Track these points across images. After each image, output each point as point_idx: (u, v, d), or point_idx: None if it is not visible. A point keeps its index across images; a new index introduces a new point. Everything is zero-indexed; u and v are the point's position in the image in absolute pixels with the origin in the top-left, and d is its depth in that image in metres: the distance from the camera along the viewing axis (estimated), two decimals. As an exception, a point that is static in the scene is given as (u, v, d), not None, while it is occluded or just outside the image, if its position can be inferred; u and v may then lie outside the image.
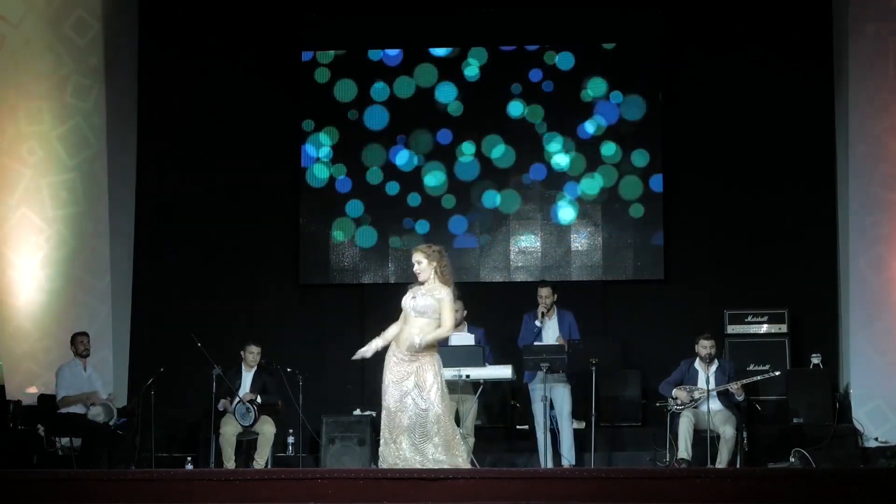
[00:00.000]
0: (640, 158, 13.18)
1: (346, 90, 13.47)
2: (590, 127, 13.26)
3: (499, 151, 13.32)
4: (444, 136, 13.37)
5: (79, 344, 11.70)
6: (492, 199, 13.31)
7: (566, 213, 13.25)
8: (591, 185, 13.24)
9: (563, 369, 11.27)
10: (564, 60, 13.32)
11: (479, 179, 13.33)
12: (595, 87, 13.27)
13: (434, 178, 13.34)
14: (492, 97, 13.35)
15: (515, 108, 13.31)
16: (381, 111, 13.42)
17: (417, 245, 9.07)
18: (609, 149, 13.22)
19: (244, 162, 13.46)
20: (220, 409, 11.47)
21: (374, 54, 13.47)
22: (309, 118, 13.46)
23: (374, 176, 13.38)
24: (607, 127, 13.24)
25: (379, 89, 13.43)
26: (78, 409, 11.48)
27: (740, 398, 11.08)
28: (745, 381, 11.14)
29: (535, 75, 13.32)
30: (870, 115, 12.18)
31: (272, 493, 7.77)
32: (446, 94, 13.39)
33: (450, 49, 13.42)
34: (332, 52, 13.50)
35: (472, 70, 13.39)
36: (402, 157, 13.38)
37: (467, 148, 13.32)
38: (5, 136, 12.56)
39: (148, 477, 8.23)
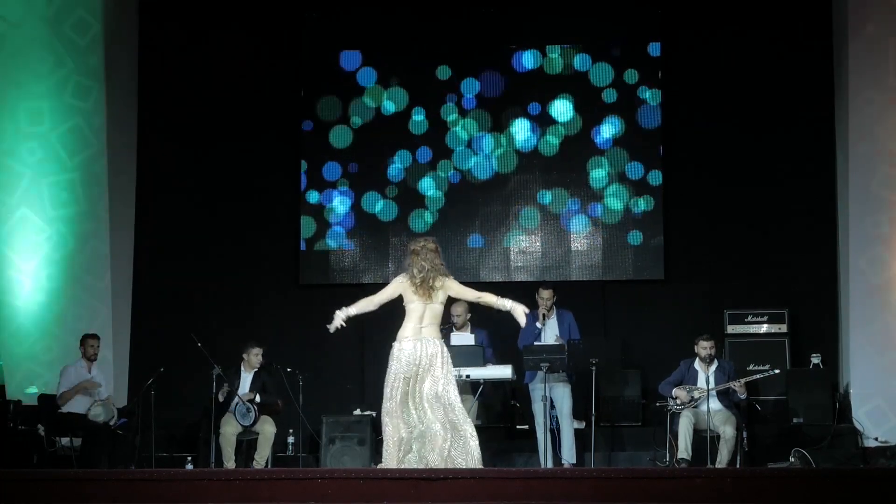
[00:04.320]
0: (640, 159, 13.19)
1: (346, 90, 13.48)
2: (591, 127, 13.26)
3: (499, 151, 13.33)
4: (444, 136, 13.38)
5: (88, 347, 11.67)
6: (493, 199, 13.33)
7: (566, 212, 13.25)
8: (591, 184, 13.25)
9: (564, 369, 11.27)
10: (562, 58, 13.33)
11: (479, 179, 13.34)
12: (594, 88, 13.28)
13: (434, 177, 13.36)
14: (491, 97, 13.36)
15: (514, 107, 13.34)
16: (382, 111, 13.44)
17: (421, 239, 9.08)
18: (609, 148, 13.23)
19: (244, 162, 13.47)
20: (220, 400, 11.45)
21: (376, 56, 13.48)
22: (310, 118, 13.47)
23: (375, 176, 13.40)
24: (607, 126, 13.25)
25: (380, 91, 13.44)
26: (78, 408, 11.47)
27: (743, 396, 11.07)
28: (747, 379, 11.14)
29: (534, 74, 13.34)
30: (870, 115, 12.18)
31: (272, 493, 7.76)
32: (445, 95, 13.41)
33: (443, 51, 13.44)
34: (333, 55, 13.51)
35: (465, 70, 13.41)
36: (404, 157, 13.40)
37: (467, 148, 13.35)
38: (5, 136, 12.57)
39: (148, 477, 8.22)
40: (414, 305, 8.85)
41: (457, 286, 8.96)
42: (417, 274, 8.80)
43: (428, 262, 8.80)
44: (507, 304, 8.93)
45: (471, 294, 9.01)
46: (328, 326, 8.94)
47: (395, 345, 8.87)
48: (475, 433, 8.76)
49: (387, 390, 8.82)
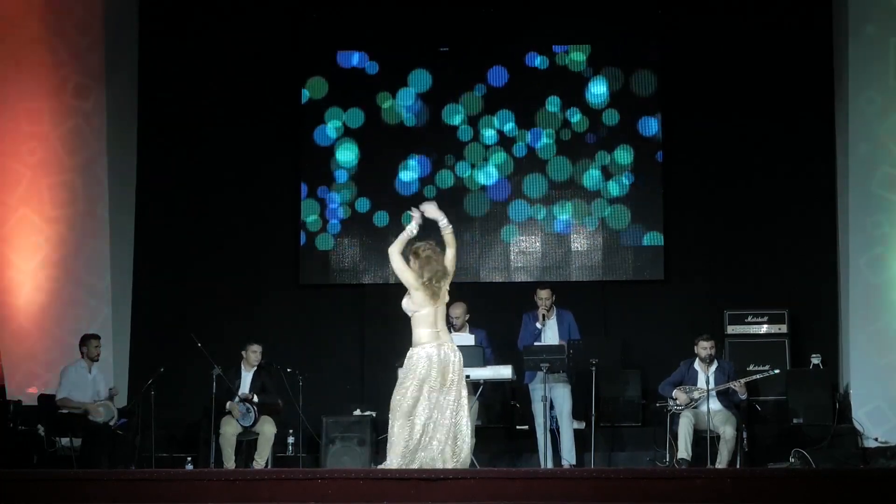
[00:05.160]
0: (639, 160, 13.19)
1: (348, 91, 13.49)
2: (591, 127, 13.27)
3: (499, 151, 13.34)
4: (445, 136, 13.39)
5: (92, 348, 11.63)
6: (493, 199, 13.33)
7: (566, 213, 13.26)
8: (591, 184, 13.25)
9: (564, 369, 11.27)
10: (563, 60, 13.34)
11: (479, 179, 13.35)
12: (594, 88, 13.29)
13: (434, 178, 13.37)
14: (492, 98, 13.37)
15: (514, 107, 13.35)
16: (384, 112, 13.45)
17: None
18: (608, 149, 13.23)
19: (244, 161, 13.47)
20: (228, 410, 11.46)
21: (378, 57, 13.48)
22: (311, 118, 13.48)
23: (376, 177, 13.41)
24: (607, 126, 13.26)
25: (381, 92, 13.44)
26: (78, 409, 11.47)
27: (743, 396, 11.06)
28: (747, 379, 11.14)
29: (534, 75, 13.34)
30: (870, 116, 12.17)
31: (272, 493, 7.76)
32: (446, 95, 13.42)
33: (443, 50, 13.46)
34: (332, 54, 13.51)
35: (464, 69, 13.41)
36: (405, 157, 13.41)
37: (467, 148, 13.36)
38: (5, 136, 12.56)
39: (148, 477, 8.23)
40: (426, 311, 8.74)
41: (449, 267, 8.83)
42: (428, 275, 8.73)
43: (439, 264, 8.78)
44: (441, 220, 8.85)
45: (451, 252, 8.86)
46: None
47: (417, 351, 8.71)
48: (469, 440, 8.77)
49: (400, 396, 8.69)
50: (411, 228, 8.84)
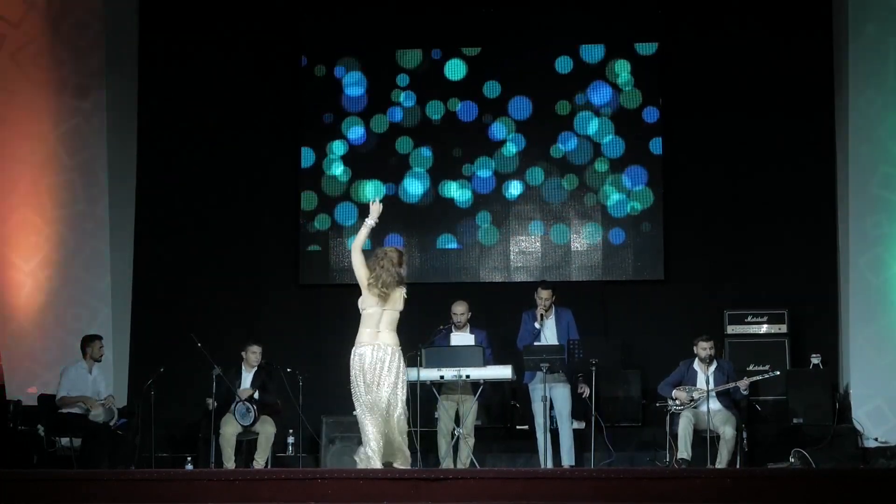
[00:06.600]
0: (640, 159, 13.19)
1: (349, 93, 13.49)
2: (590, 126, 13.27)
3: (499, 152, 13.34)
4: (445, 137, 13.39)
5: (97, 349, 11.63)
6: (493, 199, 13.33)
7: (566, 212, 13.26)
8: (591, 184, 13.25)
9: (563, 369, 11.27)
10: (563, 59, 13.34)
11: (480, 177, 13.35)
12: (593, 86, 13.29)
13: (434, 178, 13.37)
14: (492, 98, 13.37)
15: (514, 107, 13.35)
16: (383, 113, 13.45)
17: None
18: (608, 148, 13.23)
19: (244, 162, 13.48)
20: (210, 409, 11.45)
21: (376, 57, 13.48)
22: (310, 119, 13.48)
23: (376, 176, 13.42)
24: (607, 127, 13.25)
25: (381, 95, 13.44)
26: (78, 408, 11.46)
27: (745, 392, 11.03)
28: (752, 379, 11.12)
29: (533, 74, 13.34)
30: (870, 116, 12.18)
31: (272, 493, 7.77)
32: (446, 96, 13.43)
33: (443, 50, 13.46)
34: (332, 54, 13.51)
35: (465, 69, 13.41)
36: (405, 157, 13.41)
37: (467, 148, 13.36)
38: (5, 136, 12.56)
39: (148, 477, 8.23)
40: (372, 311, 9.12)
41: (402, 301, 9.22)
42: (376, 278, 9.10)
43: (391, 273, 9.11)
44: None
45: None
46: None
47: (355, 349, 9.15)
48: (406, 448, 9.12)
49: (356, 395, 9.12)
50: (371, 222, 9.28)
